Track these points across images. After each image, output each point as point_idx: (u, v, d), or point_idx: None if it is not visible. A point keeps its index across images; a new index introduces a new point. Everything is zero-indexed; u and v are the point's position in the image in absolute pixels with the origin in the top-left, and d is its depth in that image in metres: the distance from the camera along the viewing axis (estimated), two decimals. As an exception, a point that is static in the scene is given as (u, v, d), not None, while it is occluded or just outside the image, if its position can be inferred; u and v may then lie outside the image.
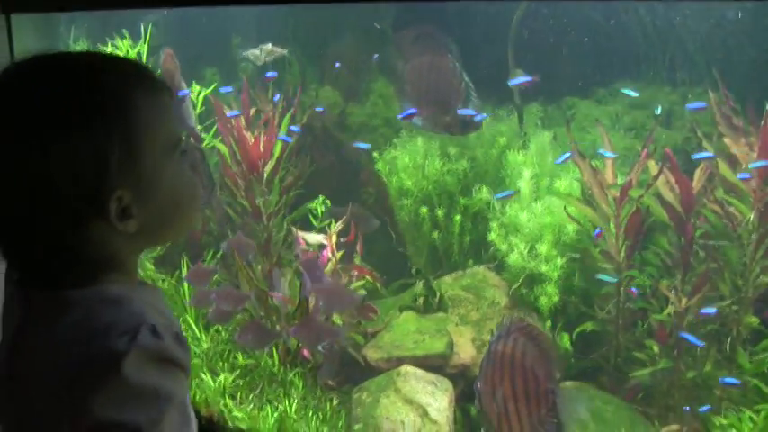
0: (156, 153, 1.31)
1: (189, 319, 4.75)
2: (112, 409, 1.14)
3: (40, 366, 1.21)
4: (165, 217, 1.36)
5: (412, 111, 4.54)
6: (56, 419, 1.18)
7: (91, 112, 1.21)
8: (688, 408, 3.96)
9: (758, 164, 3.76)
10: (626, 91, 4.35)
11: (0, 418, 1.29)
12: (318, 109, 5.17)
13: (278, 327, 4.29)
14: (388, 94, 5.57)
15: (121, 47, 5.39)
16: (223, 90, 5.07)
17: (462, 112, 3.39)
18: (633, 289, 4.11)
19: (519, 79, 4.33)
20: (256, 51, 5.90)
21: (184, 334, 1.33)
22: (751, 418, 3.66)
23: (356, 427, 3.94)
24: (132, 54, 5.37)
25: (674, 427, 3.85)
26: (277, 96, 5.03)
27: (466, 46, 4.50)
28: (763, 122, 3.77)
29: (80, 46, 5.49)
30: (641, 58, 5.32)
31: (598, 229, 4.18)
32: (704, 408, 3.90)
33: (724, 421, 3.75)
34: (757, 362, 3.89)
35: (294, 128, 4.94)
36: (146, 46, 5.39)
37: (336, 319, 4.47)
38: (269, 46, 5.96)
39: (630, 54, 5.35)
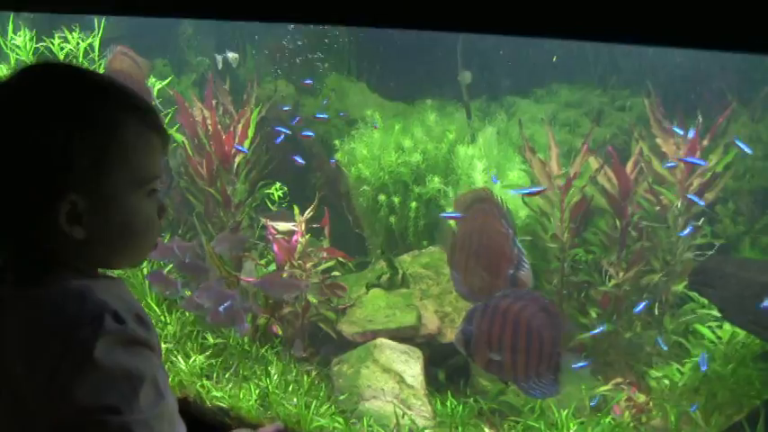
0: (125, 179, 1.40)
1: (151, 302, 4.90)
2: (92, 395, 1.21)
3: (19, 363, 1.27)
4: (113, 239, 1.43)
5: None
6: (40, 413, 1.25)
7: (73, 116, 1.32)
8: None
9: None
10: (739, 143, 4.46)
11: None
12: (285, 107, 5.37)
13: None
14: (340, 87, 5.89)
15: (71, 39, 5.34)
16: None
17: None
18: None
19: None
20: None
21: (148, 315, 1.40)
22: (678, 370, 4.38)
23: (341, 397, 4.26)
24: (83, 46, 5.35)
25: (619, 379, 4.50)
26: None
27: (419, 49, 4.88)
28: (693, 133, 4.46)
29: (22, 36, 5.36)
30: (575, 62, 5.94)
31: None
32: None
33: (658, 373, 4.47)
34: (679, 323, 4.64)
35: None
36: (98, 39, 5.37)
37: (311, 298, 4.84)
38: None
39: (567, 58, 5.95)
